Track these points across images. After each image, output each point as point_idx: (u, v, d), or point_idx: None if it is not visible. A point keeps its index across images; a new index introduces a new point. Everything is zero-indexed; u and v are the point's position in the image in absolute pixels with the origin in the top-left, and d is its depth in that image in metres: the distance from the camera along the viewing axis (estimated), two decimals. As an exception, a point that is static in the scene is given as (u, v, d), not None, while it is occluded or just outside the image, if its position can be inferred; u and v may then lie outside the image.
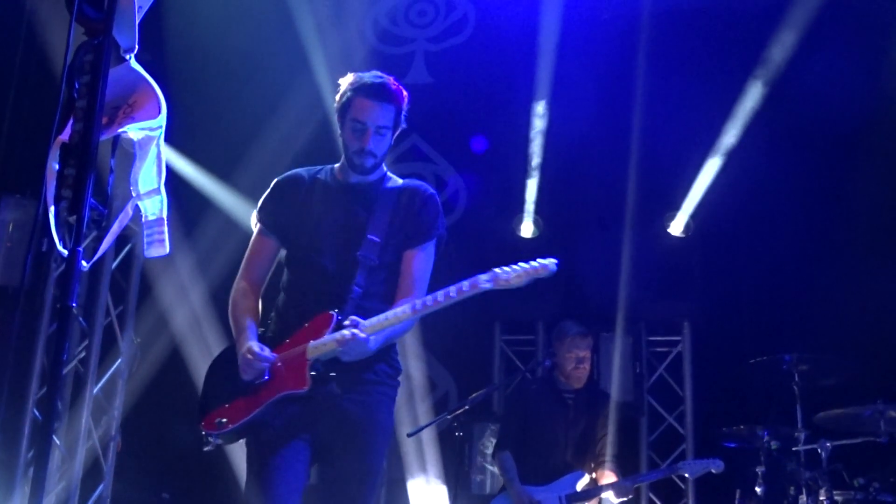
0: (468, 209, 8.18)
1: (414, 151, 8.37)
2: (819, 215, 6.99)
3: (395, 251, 3.66)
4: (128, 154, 2.65)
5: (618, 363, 7.35)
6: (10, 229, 6.04)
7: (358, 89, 3.64)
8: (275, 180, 3.81)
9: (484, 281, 3.43)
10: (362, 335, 3.37)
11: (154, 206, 2.64)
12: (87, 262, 2.50)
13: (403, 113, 3.69)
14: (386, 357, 3.64)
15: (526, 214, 7.80)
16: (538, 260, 3.51)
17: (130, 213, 2.63)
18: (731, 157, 7.33)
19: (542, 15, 7.59)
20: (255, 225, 3.78)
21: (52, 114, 2.48)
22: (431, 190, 3.80)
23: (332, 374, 3.49)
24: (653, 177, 7.46)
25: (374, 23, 8.49)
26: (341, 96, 3.70)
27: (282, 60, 7.46)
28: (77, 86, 2.43)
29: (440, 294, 3.42)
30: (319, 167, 3.84)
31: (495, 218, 7.97)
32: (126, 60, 2.59)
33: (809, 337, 6.45)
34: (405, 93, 3.71)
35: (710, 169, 7.38)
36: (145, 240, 2.66)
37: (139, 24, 2.66)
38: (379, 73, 3.69)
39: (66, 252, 2.33)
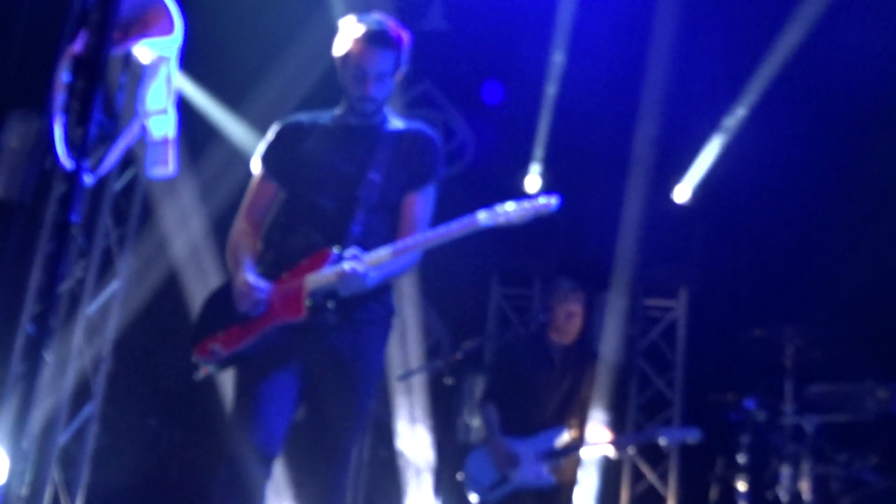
0: (475, 161, 8.15)
1: (425, 97, 8.32)
2: (823, 191, 6.97)
3: (396, 192, 3.68)
4: (138, 72, 2.63)
5: (612, 324, 7.37)
6: (16, 144, 6.01)
7: (358, 36, 3.63)
8: (275, 125, 3.82)
9: (483, 218, 3.48)
10: (361, 269, 3.39)
11: (161, 125, 2.62)
12: (91, 178, 2.49)
13: (404, 56, 3.68)
14: (380, 297, 3.65)
15: (532, 169, 7.78)
16: (540, 197, 3.57)
17: (136, 130, 2.61)
18: (741, 129, 7.30)
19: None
20: (255, 169, 3.79)
21: (63, 27, 2.45)
22: (432, 133, 3.81)
23: (330, 305, 3.52)
24: (662, 141, 7.43)
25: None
26: (341, 42, 3.69)
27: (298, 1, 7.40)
28: (91, -1, 2.40)
29: (441, 228, 3.46)
30: (319, 112, 3.86)
31: (501, 171, 7.95)
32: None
33: (804, 311, 6.47)
34: (405, 36, 3.69)
35: (720, 138, 7.35)
36: (149, 159, 2.64)
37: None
38: (378, 18, 3.68)
39: (70, 165, 2.31)
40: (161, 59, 2.58)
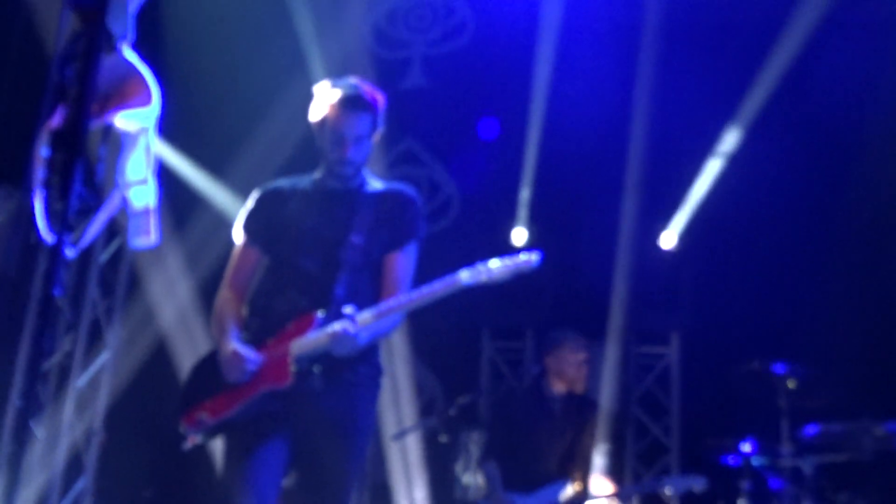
0: (461, 215, 8.16)
1: (408, 155, 8.36)
2: (812, 227, 6.99)
3: (378, 252, 3.71)
4: (118, 143, 2.63)
5: (606, 373, 7.34)
6: (2, 219, 6.01)
7: (333, 101, 3.69)
8: (255, 192, 3.84)
9: (465, 277, 3.49)
10: (352, 329, 3.40)
11: (142, 195, 2.62)
12: (74, 251, 2.48)
13: (380, 117, 3.74)
14: (367, 358, 3.66)
15: (519, 222, 7.79)
16: (521, 254, 3.61)
17: (118, 202, 2.61)
18: (725, 173, 7.34)
19: (542, 21, 7.58)
20: (237, 237, 3.80)
21: (42, 101, 2.46)
22: (411, 192, 3.85)
23: (316, 370, 3.53)
24: (647, 189, 7.46)
25: (373, 25, 8.48)
26: (317, 107, 3.75)
27: (279, 59, 7.44)
28: (68, 73, 2.41)
29: (425, 288, 3.47)
30: (298, 177, 3.89)
31: (488, 225, 7.96)
32: (119, 49, 2.56)
33: (798, 353, 6.44)
34: (380, 98, 3.75)
35: (703, 184, 7.39)
36: (131, 230, 2.63)
37: (136, 14, 2.64)
38: (353, 83, 3.74)
39: (51, 239, 2.30)
40: (140, 130, 2.59)
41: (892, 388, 6.23)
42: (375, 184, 3.83)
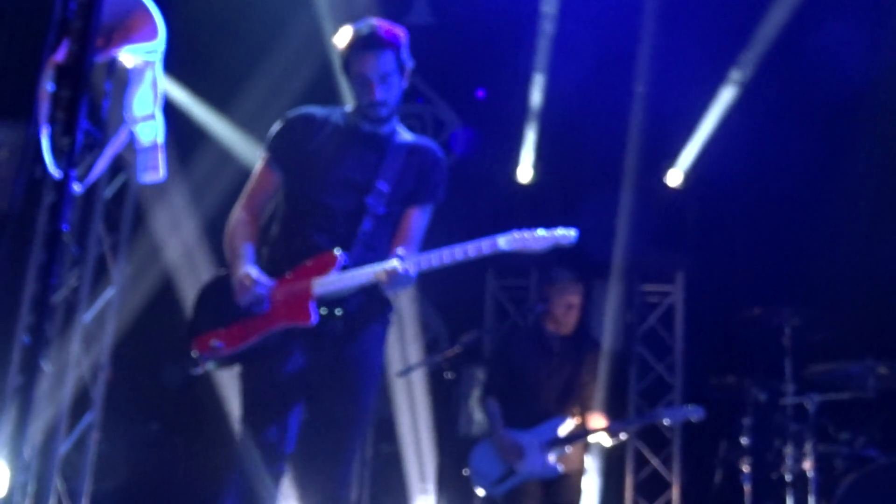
0: (466, 153, 8.13)
1: (414, 91, 8.30)
2: (816, 171, 6.96)
3: (399, 204, 3.68)
4: (124, 78, 2.61)
5: (610, 311, 7.36)
6: (3, 154, 5.98)
7: (353, 44, 3.62)
8: (287, 114, 3.76)
9: (503, 242, 3.54)
10: (410, 269, 3.42)
11: (149, 131, 2.60)
12: (80, 186, 2.47)
13: (404, 53, 3.66)
14: (378, 296, 3.64)
15: (524, 160, 7.76)
16: (560, 228, 3.66)
17: (124, 137, 2.59)
18: (732, 111, 7.29)
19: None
20: (262, 157, 3.72)
21: (46, 35, 2.42)
22: (441, 152, 3.84)
23: (338, 312, 3.53)
24: (653, 128, 7.42)
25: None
26: (341, 56, 3.68)
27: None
28: (72, 6, 2.37)
29: (469, 246, 3.49)
30: (331, 108, 3.82)
31: (493, 163, 7.93)
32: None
33: (802, 291, 6.45)
34: (400, 33, 3.68)
35: (710, 121, 7.34)
36: (139, 165, 2.62)
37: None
38: (370, 22, 3.66)
39: (58, 175, 2.28)
40: (146, 65, 2.56)
41: (896, 327, 6.26)
42: (406, 135, 3.78)
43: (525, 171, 7.77)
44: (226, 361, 3.58)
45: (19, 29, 6.11)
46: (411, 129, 3.87)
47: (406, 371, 5.78)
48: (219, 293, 3.60)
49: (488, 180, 7.82)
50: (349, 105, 3.77)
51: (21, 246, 5.77)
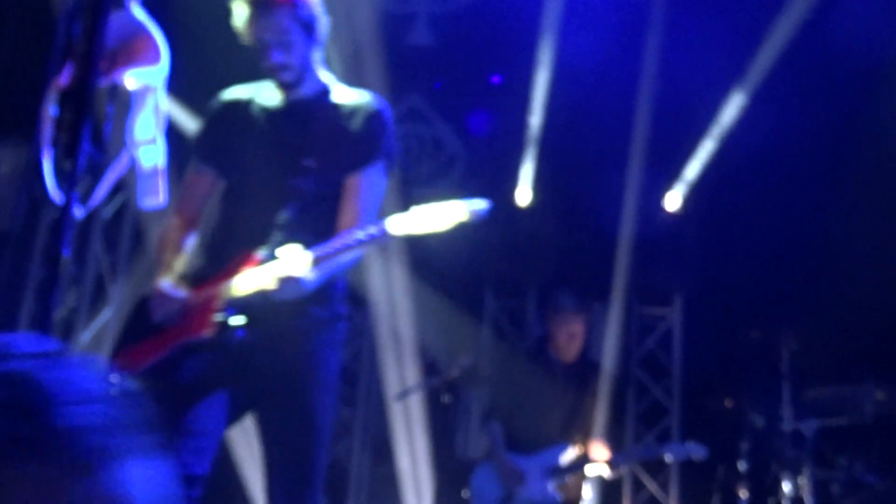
0: (465, 174, 8.14)
1: (414, 112, 8.31)
2: (816, 193, 6.97)
3: (336, 177, 3.26)
4: (126, 102, 2.62)
5: (608, 333, 7.36)
6: (4, 173, 5.99)
7: (246, 12, 3.25)
8: (211, 104, 3.52)
9: (394, 225, 2.96)
10: (298, 271, 2.95)
11: (151, 155, 2.61)
12: (82, 210, 2.47)
13: (303, 9, 3.25)
14: (322, 299, 3.23)
15: (522, 183, 7.78)
16: (466, 200, 3.03)
17: (126, 161, 2.60)
18: (731, 133, 7.31)
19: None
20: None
21: (49, 56, 2.43)
22: (379, 104, 3.35)
23: (249, 319, 3.11)
24: (652, 149, 7.43)
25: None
26: (235, 19, 3.31)
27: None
28: (76, 30, 2.38)
29: (350, 236, 3.00)
30: (261, 83, 3.45)
31: (492, 184, 7.94)
32: (127, 6, 2.54)
33: (800, 315, 6.46)
34: None
35: (709, 145, 7.36)
36: (140, 190, 2.62)
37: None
38: None
39: (59, 199, 2.29)
40: (148, 89, 2.57)
41: (894, 353, 6.25)
42: (337, 95, 3.36)
43: (524, 194, 7.78)
44: (138, 381, 3.32)
45: (22, 48, 6.13)
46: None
47: (403, 394, 5.78)
48: (143, 308, 3.31)
49: (488, 201, 7.83)
50: (261, 78, 3.42)
51: (20, 264, 5.77)
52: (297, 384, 3.19)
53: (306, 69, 3.31)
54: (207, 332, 3.08)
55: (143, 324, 3.23)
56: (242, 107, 3.35)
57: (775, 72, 7.08)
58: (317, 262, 2.97)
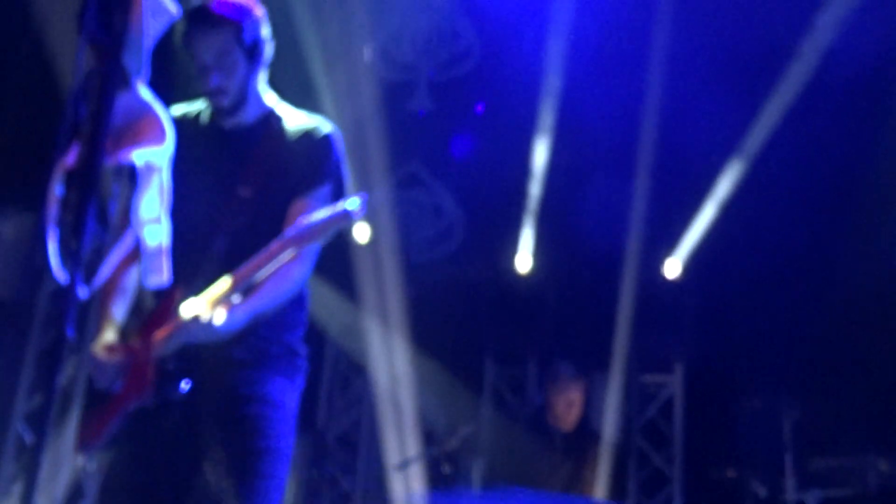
0: (465, 241, 8.15)
1: (413, 178, 8.35)
2: (815, 263, 6.99)
3: (274, 205, 3.03)
4: (132, 182, 2.64)
5: (609, 402, 7.32)
6: (7, 239, 6.00)
7: (183, 19, 2.99)
8: None
9: (288, 238, 2.77)
10: (205, 312, 2.75)
11: (155, 234, 2.61)
12: (86, 290, 2.48)
13: (248, 30, 3.05)
14: (262, 333, 3.00)
15: (522, 250, 7.79)
16: (341, 202, 2.81)
17: (130, 241, 2.61)
18: (731, 203, 7.34)
19: (548, 50, 7.58)
20: None
21: (54, 127, 2.45)
22: (325, 129, 3.14)
23: (189, 373, 2.90)
24: (651, 218, 7.46)
25: (379, 48, 8.47)
26: (176, 32, 3.04)
27: (287, 86, 7.43)
28: (82, 110, 2.41)
29: (263, 252, 2.78)
30: (202, 104, 3.22)
31: (492, 251, 7.96)
32: (133, 86, 2.57)
33: (802, 384, 6.44)
34: (244, 6, 3.08)
35: (707, 213, 7.39)
36: (144, 269, 2.63)
37: (151, 51, 2.64)
38: None
39: (64, 279, 2.29)
40: (153, 168, 2.59)
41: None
42: (279, 117, 3.16)
43: (524, 262, 7.79)
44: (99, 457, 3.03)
45: (27, 118, 6.19)
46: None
47: (404, 464, 5.74)
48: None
49: (485, 269, 7.84)
50: (194, 98, 3.22)
51: (21, 333, 5.76)
52: (252, 447, 2.93)
53: (247, 94, 3.11)
54: (145, 393, 2.84)
55: (94, 391, 2.96)
56: (184, 129, 2.94)
57: (773, 139, 7.14)
58: (236, 284, 2.77)
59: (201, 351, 2.87)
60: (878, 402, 6.36)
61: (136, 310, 3.05)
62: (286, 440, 2.99)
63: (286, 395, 3.03)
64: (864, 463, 5.65)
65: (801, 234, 6.96)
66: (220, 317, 2.78)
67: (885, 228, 6.72)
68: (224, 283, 2.80)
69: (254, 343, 2.99)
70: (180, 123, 2.98)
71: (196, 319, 2.77)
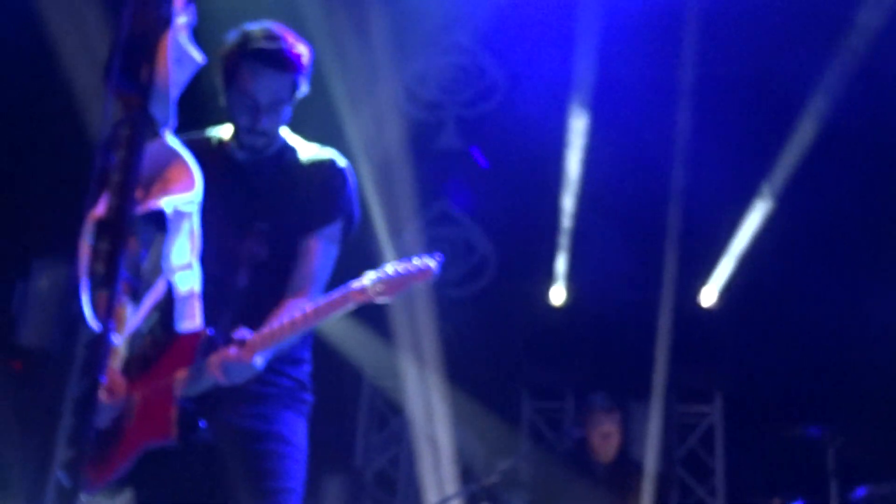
0: (498, 276, 8.14)
1: (444, 216, 8.36)
2: (855, 284, 6.91)
3: (290, 240, 3.03)
4: (162, 229, 2.66)
5: (649, 432, 7.25)
6: (43, 291, 6.05)
7: (247, 53, 2.98)
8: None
9: (359, 286, 2.79)
10: (246, 359, 2.75)
11: (186, 280, 2.63)
12: (119, 338, 2.50)
13: (302, 77, 3.06)
14: (286, 372, 3.01)
15: (557, 282, 7.77)
16: (417, 258, 2.86)
17: (162, 288, 2.62)
18: (766, 229, 7.29)
19: (574, 82, 7.60)
20: None
21: (85, 178, 2.47)
22: (340, 163, 3.13)
23: (205, 413, 2.84)
24: (687, 245, 7.42)
25: (405, 87, 8.52)
26: (226, 56, 3.03)
27: (314, 127, 7.47)
28: (112, 160, 2.43)
29: (321, 301, 2.81)
30: (215, 131, 3.19)
31: (525, 285, 7.93)
32: (161, 135, 2.59)
33: (845, 410, 6.35)
34: (305, 51, 3.06)
35: (743, 240, 7.34)
36: (177, 314, 2.64)
37: (177, 100, 2.67)
38: (273, 32, 3.02)
39: (97, 327, 2.31)
40: (182, 215, 2.60)
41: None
42: (297, 153, 3.14)
43: (558, 293, 7.76)
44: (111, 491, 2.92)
45: (59, 169, 6.26)
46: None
47: (443, 502, 5.70)
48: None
49: (520, 302, 7.82)
50: (225, 127, 3.17)
51: (59, 382, 5.79)
52: (268, 487, 2.90)
53: (278, 133, 3.12)
54: (172, 435, 2.78)
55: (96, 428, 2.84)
56: (201, 159, 2.81)
57: (801, 169, 7.10)
58: (265, 342, 2.77)
59: (217, 390, 2.84)
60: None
61: (130, 347, 2.95)
62: (297, 479, 2.96)
63: (297, 431, 3.01)
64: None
65: (836, 261, 6.90)
66: (261, 359, 2.78)
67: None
68: (275, 327, 2.78)
69: (267, 379, 2.95)
70: (201, 155, 2.86)
71: (239, 361, 2.75)
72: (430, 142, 8.31)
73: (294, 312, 2.80)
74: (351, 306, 2.79)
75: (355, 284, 2.79)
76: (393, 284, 2.78)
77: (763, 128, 7.31)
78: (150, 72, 2.46)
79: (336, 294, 2.80)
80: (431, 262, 2.82)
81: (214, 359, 2.78)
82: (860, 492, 5.69)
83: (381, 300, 2.79)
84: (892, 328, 6.70)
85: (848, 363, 6.85)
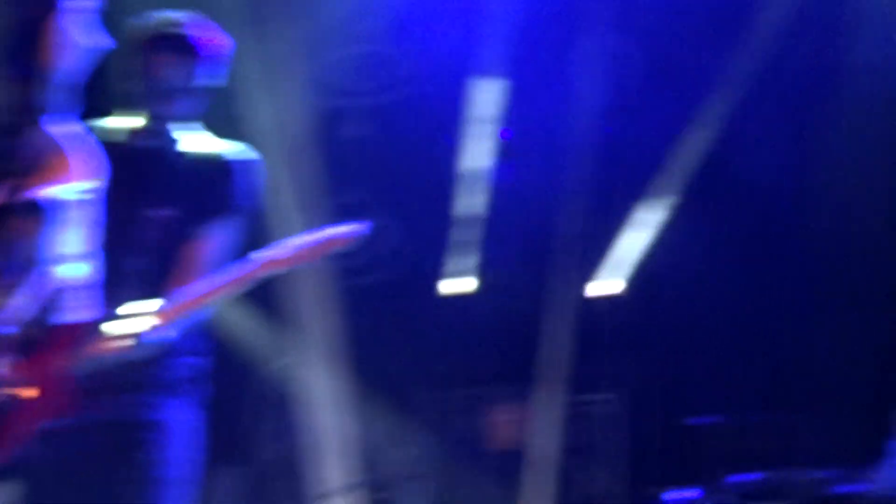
0: (402, 265, 8.11)
1: (351, 205, 8.30)
2: (761, 273, 7.02)
3: (186, 230, 3.04)
4: (44, 218, 2.61)
5: (550, 423, 7.29)
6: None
7: (151, 39, 3.02)
8: None
9: (260, 258, 2.86)
10: (150, 332, 2.77)
11: (75, 269, 2.60)
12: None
13: (212, 65, 3.10)
14: (180, 359, 3.03)
15: (460, 272, 7.78)
16: (338, 226, 2.97)
17: (44, 278, 2.58)
18: (669, 221, 7.37)
19: (483, 65, 7.60)
20: None
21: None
22: (239, 155, 3.19)
23: (100, 390, 2.81)
24: (586, 232, 7.45)
25: (313, 76, 8.44)
26: (131, 41, 3.06)
27: (223, 119, 7.35)
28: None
29: (223, 275, 2.87)
30: (122, 118, 3.17)
31: (429, 275, 7.93)
32: (41, 123, 2.54)
33: (741, 400, 6.45)
34: (215, 41, 3.11)
35: (644, 227, 7.39)
36: (65, 304, 2.60)
37: (72, 87, 2.61)
38: (177, 19, 3.08)
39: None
40: (66, 204, 2.57)
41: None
42: (197, 142, 3.15)
43: (461, 284, 7.77)
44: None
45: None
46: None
47: (336, 492, 5.66)
48: None
49: (425, 293, 7.82)
50: (131, 113, 3.16)
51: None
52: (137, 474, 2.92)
53: (185, 121, 3.15)
54: (69, 410, 2.71)
55: None
56: (106, 146, 2.84)
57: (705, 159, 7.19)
58: (169, 316, 2.79)
59: (102, 377, 2.79)
60: (823, 415, 6.40)
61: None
62: (181, 468, 2.97)
63: (184, 420, 3.03)
64: (790, 478, 5.66)
65: (745, 248, 6.98)
66: (162, 336, 2.80)
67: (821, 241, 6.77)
68: (180, 302, 2.82)
69: (155, 368, 2.95)
70: (108, 142, 2.90)
71: (141, 339, 2.76)
72: (336, 127, 8.25)
73: (200, 288, 2.86)
74: (260, 275, 2.85)
75: (260, 255, 2.85)
76: (302, 253, 2.86)
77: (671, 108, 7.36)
78: (32, 58, 2.42)
79: (242, 266, 2.87)
80: (346, 228, 2.92)
81: (115, 335, 2.76)
82: (747, 477, 5.82)
83: (286, 268, 2.85)
84: (791, 318, 6.84)
85: (748, 354, 6.97)
